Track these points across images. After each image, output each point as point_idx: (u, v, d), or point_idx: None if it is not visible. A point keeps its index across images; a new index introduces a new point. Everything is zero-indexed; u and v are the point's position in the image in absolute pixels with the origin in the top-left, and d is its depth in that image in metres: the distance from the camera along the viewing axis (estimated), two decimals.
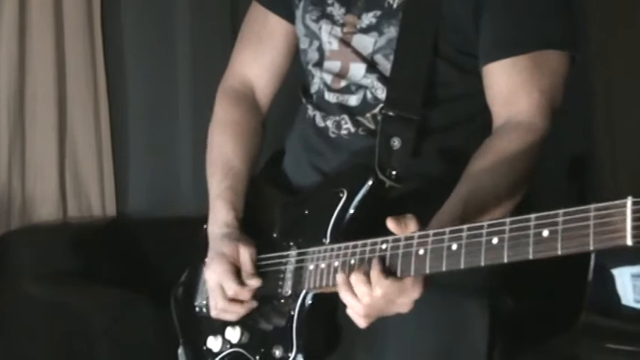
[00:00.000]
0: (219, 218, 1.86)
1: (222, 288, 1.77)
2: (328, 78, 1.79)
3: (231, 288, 1.76)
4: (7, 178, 3.57)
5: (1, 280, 3.41)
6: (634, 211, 1.19)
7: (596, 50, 3.81)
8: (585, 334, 2.88)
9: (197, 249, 1.96)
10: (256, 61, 1.98)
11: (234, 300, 1.77)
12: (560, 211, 1.29)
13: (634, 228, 1.19)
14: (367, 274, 1.49)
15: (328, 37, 1.79)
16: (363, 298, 1.50)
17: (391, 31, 1.72)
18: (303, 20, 1.85)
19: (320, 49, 1.82)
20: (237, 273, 1.78)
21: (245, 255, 1.78)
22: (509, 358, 1.86)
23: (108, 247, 3.55)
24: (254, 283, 1.76)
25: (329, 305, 1.69)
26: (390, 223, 1.49)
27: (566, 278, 3.15)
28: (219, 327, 1.84)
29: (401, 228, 1.49)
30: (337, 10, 1.80)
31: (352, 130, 1.76)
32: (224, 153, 1.95)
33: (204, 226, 1.94)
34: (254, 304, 1.78)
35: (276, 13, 1.95)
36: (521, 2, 1.69)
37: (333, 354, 1.76)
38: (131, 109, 3.91)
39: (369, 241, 1.54)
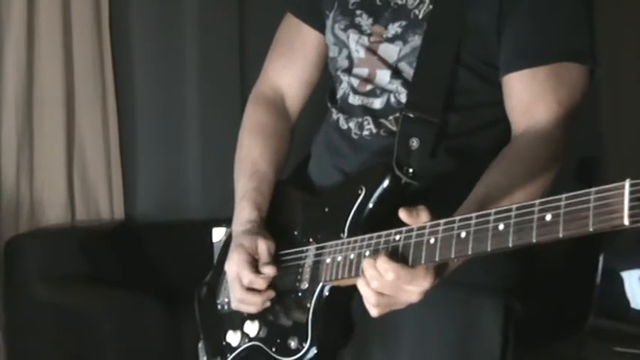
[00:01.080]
0: (243, 217, 1.90)
1: (239, 278, 1.81)
2: (356, 82, 1.85)
3: (247, 276, 1.79)
4: (15, 181, 3.58)
5: (9, 282, 3.43)
6: (631, 192, 1.20)
7: (605, 53, 3.82)
8: (593, 337, 2.89)
9: (222, 250, 2.00)
10: (288, 70, 2.04)
11: (251, 289, 1.80)
12: (563, 196, 1.30)
13: (631, 208, 1.20)
14: (376, 260, 1.52)
15: (356, 45, 1.85)
16: (372, 282, 1.52)
17: (415, 40, 1.77)
18: (333, 30, 1.91)
19: (349, 57, 1.88)
20: (255, 263, 1.81)
21: (263, 246, 1.82)
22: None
23: (116, 251, 3.56)
24: (268, 270, 1.79)
25: (344, 299, 1.72)
26: (402, 214, 1.52)
27: (573, 281, 3.15)
28: (238, 322, 1.88)
29: (413, 218, 1.51)
30: (365, 21, 1.85)
31: (374, 131, 1.80)
32: (252, 155, 2.00)
33: (226, 228, 1.99)
34: (271, 293, 1.81)
35: (308, 24, 2.00)
36: (543, 15, 1.71)
37: (345, 347, 1.79)
38: (139, 114, 3.93)
39: (384, 232, 1.58)
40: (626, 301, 2.90)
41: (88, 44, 3.70)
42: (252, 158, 1.98)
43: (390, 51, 1.81)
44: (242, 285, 1.81)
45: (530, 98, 1.70)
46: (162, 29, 3.94)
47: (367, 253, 1.60)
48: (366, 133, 1.82)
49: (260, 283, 1.80)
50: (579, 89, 1.72)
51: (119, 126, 3.82)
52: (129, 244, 3.64)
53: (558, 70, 1.70)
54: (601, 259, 2.88)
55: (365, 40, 1.84)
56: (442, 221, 1.47)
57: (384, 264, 1.50)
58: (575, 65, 1.71)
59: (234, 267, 1.82)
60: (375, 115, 1.81)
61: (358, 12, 1.87)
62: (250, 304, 1.82)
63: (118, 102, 3.81)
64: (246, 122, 2.05)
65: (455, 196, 1.59)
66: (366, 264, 1.53)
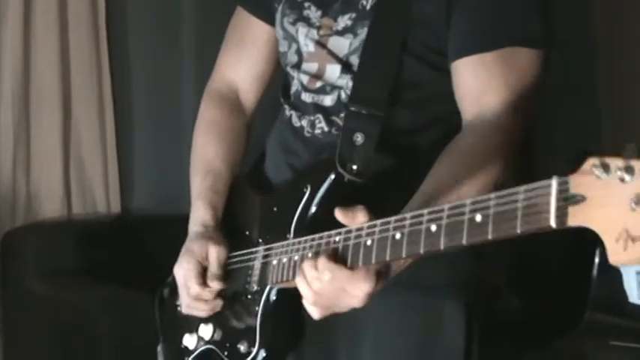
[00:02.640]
0: (198, 217, 1.88)
1: (187, 287, 1.79)
2: (305, 79, 1.81)
3: (193, 288, 1.78)
4: (12, 174, 3.57)
5: (5, 276, 3.42)
6: (559, 191, 1.15)
7: (601, 49, 3.81)
8: (590, 332, 2.88)
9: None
10: (240, 64, 2.00)
11: (199, 299, 1.79)
12: (493, 195, 1.26)
13: (558, 209, 1.15)
14: (317, 261, 1.50)
15: (305, 39, 1.80)
16: (313, 283, 1.50)
17: (364, 32, 1.73)
18: (282, 23, 1.87)
19: (298, 52, 1.83)
20: (203, 273, 1.79)
21: (213, 254, 1.79)
22: (490, 356, 1.85)
23: (112, 244, 3.55)
24: (215, 285, 1.77)
25: (293, 301, 1.67)
26: (338, 214, 1.50)
27: (570, 276, 3.15)
28: (194, 324, 1.86)
29: (348, 219, 1.49)
30: (314, 13, 1.80)
31: (326, 129, 1.76)
32: (205, 154, 1.97)
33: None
34: (218, 302, 1.79)
35: (258, 16, 1.96)
36: (491, 0, 1.67)
37: (296, 348, 1.77)
38: (136, 106, 3.91)
39: (326, 233, 1.54)
40: (623, 296, 2.90)
41: (84, 38, 3.69)
42: (206, 156, 1.95)
43: (341, 44, 1.76)
44: (189, 294, 1.79)
45: (478, 85, 1.64)
46: (160, 24, 3.92)
47: (310, 255, 1.56)
48: (317, 131, 1.77)
49: (207, 295, 1.79)
50: (531, 74, 1.65)
51: (115, 119, 3.81)
52: (125, 238, 3.63)
53: (507, 55, 1.64)
54: (597, 253, 2.88)
55: (314, 33, 1.80)
56: (379, 222, 1.44)
57: (322, 265, 1.48)
58: (525, 50, 1.65)
59: (183, 275, 1.80)
60: (327, 112, 1.77)
61: (306, 4, 1.82)
62: (198, 310, 1.81)
63: (114, 95, 3.80)
64: (199, 120, 2.01)
65: (403, 194, 1.54)
66: (306, 265, 1.51)
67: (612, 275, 2.92)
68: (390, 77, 1.70)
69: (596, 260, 2.90)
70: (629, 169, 1.06)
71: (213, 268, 1.78)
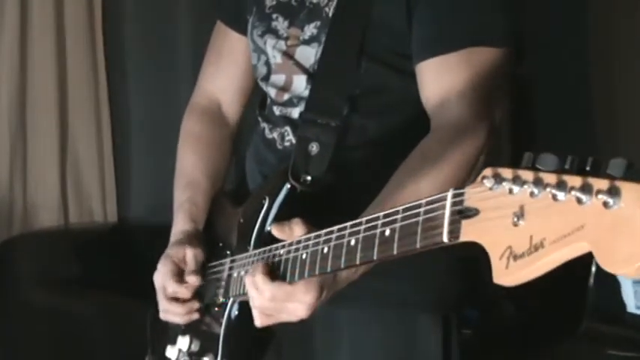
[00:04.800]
0: (176, 229, 1.87)
1: (164, 288, 1.78)
2: (273, 92, 1.79)
3: (170, 286, 1.77)
4: (8, 183, 3.57)
5: (2, 285, 3.42)
6: (453, 204, 1.08)
7: (597, 51, 3.82)
8: (587, 341, 2.88)
9: None
10: (219, 77, 1.99)
11: (175, 299, 1.78)
12: (400, 208, 1.20)
13: (451, 222, 1.08)
14: (255, 276, 1.49)
15: (272, 51, 1.78)
16: (255, 301, 1.49)
17: None
18: (252, 36, 1.85)
19: (267, 64, 1.82)
20: (180, 273, 1.78)
21: (189, 254, 1.78)
22: None
23: (109, 253, 3.55)
24: (192, 279, 1.76)
25: None
26: (274, 230, 1.49)
27: (567, 284, 3.15)
28: (174, 336, 1.85)
29: (285, 233, 1.48)
30: (281, 24, 1.78)
31: (294, 141, 1.75)
32: (185, 166, 1.97)
33: None
34: (195, 304, 1.78)
35: (234, 28, 1.95)
36: (452, 1, 1.63)
37: (263, 358, 1.76)
38: (132, 115, 3.91)
39: (273, 246, 1.53)
40: (621, 305, 2.89)
41: (81, 46, 3.70)
42: (185, 169, 1.95)
43: (307, 53, 1.74)
44: (166, 295, 1.78)
45: (442, 88, 1.61)
46: (156, 31, 3.93)
47: (250, 271, 1.54)
48: (287, 143, 1.75)
49: (183, 293, 1.77)
50: (494, 72, 1.61)
51: (112, 128, 3.81)
52: (122, 247, 3.63)
53: (469, 55, 1.61)
54: (594, 261, 2.88)
55: (282, 44, 1.77)
56: (312, 235, 1.42)
57: (260, 283, 1.47)
58: (487, 49, 1.61)
59: (160, 277, 1.79)
60: (294, 125, 1.75)
61: (274, 16, 1.80)
62: (175, 314, 1.79)
63: (111, 104, 3.80)
64: (181, 135, 2.01)
65: (360, 203, 1.49)
66: (247, 281, 1.50)
67: (610, 284, 2.92)
68: (348, 84, 1.68)
69: (593, 269, 2.90)
70: (517, 180, 0.96)
71: (190, 265, 1.77)
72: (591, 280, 2.92)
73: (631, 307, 2.88)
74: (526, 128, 3.66)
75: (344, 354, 1.74)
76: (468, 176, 1.53)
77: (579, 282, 2.95)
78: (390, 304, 1.67)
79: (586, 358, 2.91)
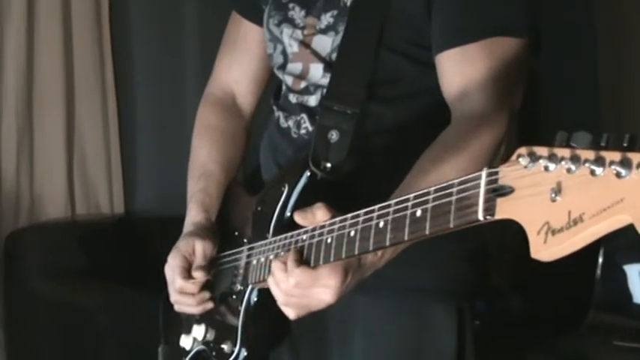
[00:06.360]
0: (189, 219, 1.88)
1: (173, 282, 1.79)
2: (290, 80, 1.79)
3: (178, 282, 1.78)
4: (15, 176, 3.58)
5: (9, 277, 3.43)
6: (488, 182, 1.10)
7: (604, 45, 3.82)
8: (594, 332, 2.88)
9: None
10: (234, 68, 1.99)
11: (184, 293, 1.79)
12: (432, 188, 1.22)
13: (486, 201, 1.10)
14: (285, 262, 1.49)
15: (289, 40, 1.79)
16: (280, 284, 1.49)
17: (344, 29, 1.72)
18: (268, 25, 1.85)
19: (284, 53, 1.82)
20: (188, 267, 1.79)
21: (198, 248, 1.79)
22: (493, 356, 1.84)
23: (116, 245, 3.56)
24: (198, 275, 1.77)
25: (275, 300, 1.62)
26: (297, 217, 1.50)
27: (574, 276, 3.15)
28: (189, 325, 1.86)
29: (308, 219, 1.48)
30: (298, 14, 1.79)
31: (310, 129, 1.75)
32: (199, 157, 1.96)
33: None
34: (205, 295, 1.79)
35: (248, 19, 1.95)
36: None
37: (279, 346, 1.77)
38: (139, 108, 3.92)
39: (296, 232, 1.53)
40: (627, 296, 2.89)
41: (87, 41, 3.70)
42: (199, 160, 1.94)
43: (324, 42, 1.74)
44: (175, 288, 1.79)
45: (462, 78, 1.61)
46: (162, 26, 3.93)
47: (282, 253, 1.55)
48: (303, 131, 1.76)
49: (190, 288, 1.77)
50: (515, 63, 1.61)
51: (119, 121, 3.82)
52: (128, 239, 3.63)
53: (489, 45, 1.60)
54: (601, 253, 2.88)
55: (299, 33, 1.78)
56: (338, 219, 1.42)
57: (289, 267, 1.47)
58: (507, 39, 1.61)
59: (170, 271, 1.80)
60: (311, 112, 1.75)
61: (291, 5, 1.80)
62: (187, 305, 1.80)
63: (117, 97, 3.81)
64: (195, 126, 2.00)
65: (383, 189, 1.48)
66: (275, 266, 1.50)
67: (616, 275, 2.92)
68: (367, 73, 1.68)
69: (600, 260, 2.90)
70: (553, 157, 0.99)
71: (198, 260, 1.78)
72: (598, 271, 2.92)
73: (637, 297, 2.88)
74: (530, 121, 3.66)
75: (358, 343, 1.74)
76: (488, 166, 1.54)
77: (586, 273, 2.95)
78: (404, 292, 1.67)
79: (592, 349, 2.92)
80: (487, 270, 1.84)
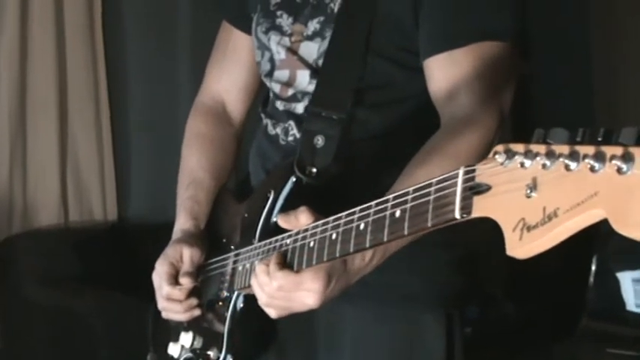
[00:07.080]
0: (177, 227, 1.88)
1: (161, 288, 1.79)
2: (277, 87, 1.80)
3: (164, 288, 1.78)
4: (8, 182, 3.57)
5: (2, 284, 3.42)
6: (464, 181, 1.10)
7: (599, 50, 3.82)
8: (586, 339, 2.89)
9: None
10: (224, 76, 2.00)
11: (171, 299, 1.79)
12: (411, 189, 1.21)
13: (463, 199, 1.09)
14: (269, 265, 1.50)
15: (277, 47, 1.80)
16: (264, 287, 1.50)
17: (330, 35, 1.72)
18: (256, 33, 1.86)
19: (271, 60, 1.83)
20: (175, 274, 1.79)
21: (186, 254, 1.79)
22: None
23: (108, 252, 3.56)
24: (185, 282, 1.77)
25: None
26: (280, 221, 1.50)
27: (567, 283, 3.15)
28: (177, 333, 1.86)
29: (291, 223, 1.48)
30: (285, 21, 1.79)
31: (298, 136, 1.76)
32: (188, 165, 1.97)
33: None
34: (192, 302, 1.79)
35: (238, 27, 1.96)
36: None
37: (266, 352, 1.76)
38: (132, 114, 3.92)
39: (280, 237, 1.53)
40: (620, 303, 2.90)
41: (80, 47, 3.70)
42: (189, 168, 1.95)
43: (310, 49, 1.74)
44: (162, 295, 1.80)
45: (450, 82, 1.61)
46: (155, 31, 3.93)
47: (262, 259, 1.55)
48: (290, 138, 1.76)
49: (177, 295, 1.77)
50: (502, 66, 1.62)
51: (112, 127, 3.82)
52: (122, 245, 3.63)
53: (476, 49, 1.61)
54: (594, 260, 2.88)
55: (286, 40, 1.78)
56: (320, 222, 1.42)
57: (271, 270, 1.47)
58: (494, 43, 1.61)
59: (157, 277, 1.80)
60: (299, 119, 1.75)
61: (279, 12, 1.81)
62: (174, 312, 1.80)
63: (110, 104, 3.81)
64: (185, 135, 2.01)
65: (366, 195, 1.44)
66: (258, 269, 1.50)
67: (609, 282, 2.93)
68: (353, 78, 1.68)
69: (593, 267, 2.90)
70: (529, 154, 0.99)
71: (185, 266, 1.78)
72: (591, 278, 2.93)
73: (630, 305, 2.88)
74: (526, 126, 3.67)
75: (346, 349, 1.74)
76: None
77: (579, 280, 2.95)
78: (393, 300, 1.67)
79: (585, 356, 2.92)
80: (478, 277, 1.84)
